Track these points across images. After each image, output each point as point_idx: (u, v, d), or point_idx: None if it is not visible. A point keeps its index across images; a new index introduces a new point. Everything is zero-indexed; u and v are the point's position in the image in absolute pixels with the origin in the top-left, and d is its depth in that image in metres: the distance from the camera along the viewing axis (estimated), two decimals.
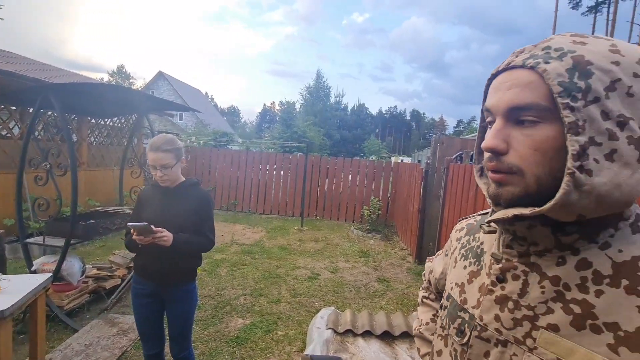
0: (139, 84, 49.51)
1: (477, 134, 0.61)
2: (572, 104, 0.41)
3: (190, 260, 1.80)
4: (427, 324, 0.87)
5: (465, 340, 0.57)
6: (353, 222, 8.01)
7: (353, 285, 4.24)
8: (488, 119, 0.52)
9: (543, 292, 0.48)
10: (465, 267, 0.64)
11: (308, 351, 2.52)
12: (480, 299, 0.56)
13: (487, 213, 0.71)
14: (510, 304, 0.51)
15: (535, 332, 0.47)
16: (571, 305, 0.45)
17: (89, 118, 6.24)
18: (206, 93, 65.64)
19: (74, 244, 2.87)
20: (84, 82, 2.76)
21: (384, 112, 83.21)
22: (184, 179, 1.83)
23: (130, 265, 3.78)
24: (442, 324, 0.66)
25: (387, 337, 2.79)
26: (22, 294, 1.88)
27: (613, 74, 0.42)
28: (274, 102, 76.60)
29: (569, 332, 0.45)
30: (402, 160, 13.00)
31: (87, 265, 3.32)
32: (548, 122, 0.44)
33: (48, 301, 2.74)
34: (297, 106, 44.07)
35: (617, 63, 0.42)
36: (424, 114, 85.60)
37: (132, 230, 1.58)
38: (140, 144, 6.06)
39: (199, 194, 1.82)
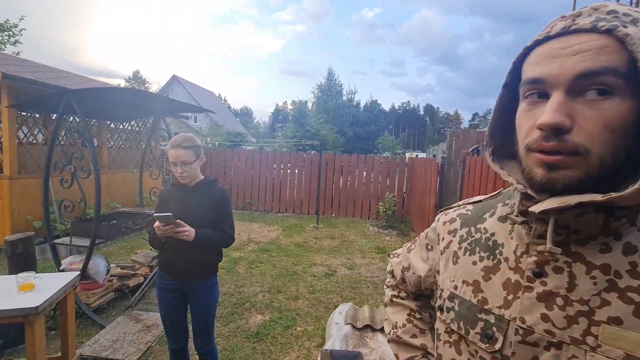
0: (154, 88, 50.63)
1: (492, 114, 0.55)
2: None
3: (212, 255, 1.84)
4: (403, 326, 0.78)
5: (498, 346, 0.50)
6: (369, 218, 7.97)
7: (370, 281, 4.23)
8: (529, 92, 0.46)
9: (595, 283, 0.44)
10: (475, 263, 0.57)
11: (327, 346, 2.53)
12: (510, 298, 0.50)
13: (479, 201, 0.67)
14: (560, 300, 0.46)
15: (596, 328, 0.42)
16: (629, 294, 0.42)
17: (108, 122, 6.44)
18: (219, 95, 66.53)
19: (99, 243, 2.97)
20: (104, 87, 2.87)
21: (396, 107, 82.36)
22: (203, 177, 1.87)
23: (152, 263, 3.89)
24: (447, 328, 0.59)
25: None
26: (53, 291, 1.96)
27: None
28: (286, 102, 76.94)
29: (634, 324, 0.41)
30: (416, 156, 12.80)
31: (111, 265, 3.43)
32: (621, 94, 0.40)
33: (76, 299, 2.85)
34: (309, 105, 44.12)
35: None
36: (438, 108, 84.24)
37: (156, 222, 1.62)
38: (157, 146, 6.21)
39: (217, 192, 1.85)
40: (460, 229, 0.64)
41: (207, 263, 1.83)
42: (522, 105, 0.48)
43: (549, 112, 0.42)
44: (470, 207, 0.67)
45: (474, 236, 0.61)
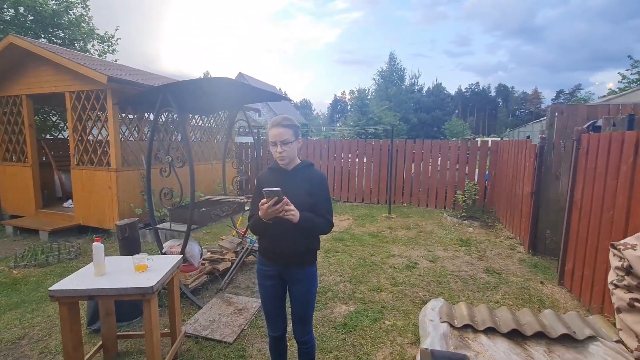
0: None
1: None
2: None
3: (312, 241, 1.76)
4: None
5: None
6: (444, 208, 7.43)
7: (457, 275, 3.87)
8: None
9: None
10: None
11: (425, 345, 2.33)
12: None
13: None
14: None
15: None
16: None
17: (190, 117, 6.93)
18: (280, 89, 68.69)
19: (193, 229, 3.15)
20: (196, 78, 3.02)
21: (463, 90, 76.09)
22: (300, 161, 1.78)
23: (237, 249, 4.06)
24: None
25: (515, 336, 2.43)
26: (163, 273, 2.08)
27: None
28: (344, 92, 76.12)
29: None
30: (502, 139, 11.61)
31: (202, 249, 3.64)
32: None
33: None
34: (370, 93, 43.12)
35: None
36: (512, 87, 75.59)
37: (263, 200, 1.56)
38: (234, 138, 6.49)
39: (315, 175, 1.76)
40: None
41: (308, 249, 1.76)
42: None
43: None
44: None
45: None
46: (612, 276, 0.68)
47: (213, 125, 7.89)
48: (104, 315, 2.30)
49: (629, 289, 0.63)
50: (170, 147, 3.26)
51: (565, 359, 2.17)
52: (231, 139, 5.12)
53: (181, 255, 2.42)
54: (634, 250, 0.62)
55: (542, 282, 3.67)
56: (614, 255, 0.68)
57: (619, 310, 0.64)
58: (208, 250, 3.81)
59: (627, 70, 18.44)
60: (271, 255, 1.77)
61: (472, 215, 6.46)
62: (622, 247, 0.65)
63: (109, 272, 2.09)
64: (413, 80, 44.13)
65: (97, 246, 2.02)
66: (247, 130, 4.60)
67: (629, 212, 2.41)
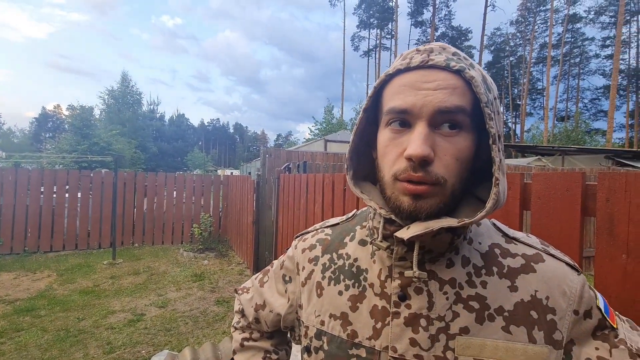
0: None
1: (352, 137, 0.53)
2: (492, 115, 0.41)
3: None
4: None
5: None
6: (182, 243, 7.19)
7: (189, 316, 3.75)
8: (393, 120, 0.45)
9: (447, 298, 0.46)
10: (340, 293, 0.54)
11: None
12: (379, 326, 0.49)
13: (336, 224, 0.65)
14: (423, 322, 0.46)
15: (452, 342, 0.45)
16: (470, 303, 0.46)
17: None
18: None
19: None
20: None
21: (206, 124, 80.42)
22: None
23: None
24: None
25: None
26: None
27: (494, 92, 0.45)
28: (59, 105, 59.50)
29: (476, 329, 0.44)
30: (231, 173, 12.85)
31: None
32: (465, 130, 0.43)
33: None
34: (97, 112, 36.18)
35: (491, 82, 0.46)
36: (246, 127, 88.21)
37: None
38: None
39: None
40: (322, 256, 0.59)
41: None
42: (387, 133, 0.47)
43: (418, 144, 0.41)
44: (328, 231, 0.64)
45: (337, 263, 0.57)
46: (234, 320, 0.77)
47: None
48: None
49: (242, 329, 0.74)
50: None
51: None
52: None
53: None
54: (247, 293, 0.74)
55: None
56: (236, 299, 0.77)
57: (234, 352, 0.73)
58: None
59: (313, 125, 27.00)
60: None
61: (209, 247, 6.64)
62: (239, 292, 0.76)
63: None
64: (152, 107, 41.49)
65: None
66: None
67: None
